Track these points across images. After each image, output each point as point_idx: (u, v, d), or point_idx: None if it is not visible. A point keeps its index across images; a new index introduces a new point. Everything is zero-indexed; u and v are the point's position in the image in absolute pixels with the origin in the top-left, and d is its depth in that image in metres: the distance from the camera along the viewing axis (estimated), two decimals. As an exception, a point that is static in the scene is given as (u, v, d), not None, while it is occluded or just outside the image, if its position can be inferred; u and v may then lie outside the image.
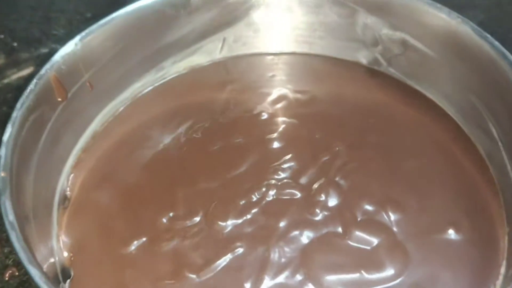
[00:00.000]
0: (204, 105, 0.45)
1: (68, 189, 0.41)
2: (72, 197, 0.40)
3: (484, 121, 0.40)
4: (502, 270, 0.35)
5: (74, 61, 0.40)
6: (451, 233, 0.37)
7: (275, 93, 0.46)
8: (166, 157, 0.42)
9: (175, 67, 0.47)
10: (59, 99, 0.39)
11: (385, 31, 0.44)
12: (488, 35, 0.38)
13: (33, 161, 0.37)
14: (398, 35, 0.44)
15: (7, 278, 0.40)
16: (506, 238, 0.36)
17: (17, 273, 0.40)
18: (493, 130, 0.39)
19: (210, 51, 0.48)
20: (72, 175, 0.42)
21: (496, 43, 0.38)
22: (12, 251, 0.40)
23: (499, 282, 0.34)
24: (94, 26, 0.41)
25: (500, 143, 0.39)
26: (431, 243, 0.36)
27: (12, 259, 0.41)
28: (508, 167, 0.38)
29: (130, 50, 0.43)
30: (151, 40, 0.44)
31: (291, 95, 0.46)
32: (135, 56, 0.44)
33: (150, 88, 0.46)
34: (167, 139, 0.43)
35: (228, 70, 0.48)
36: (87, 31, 0.40)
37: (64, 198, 0.40)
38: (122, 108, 0.45)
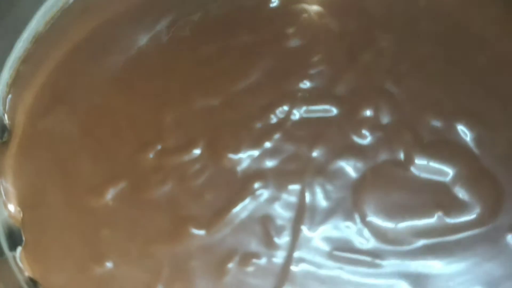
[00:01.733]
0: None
1: (6, 116, 0.34)
2: (14, 127, 0.34)
3: None
4: None
5: None
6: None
7: (288, -33, 0.40)
8: (143, 66, 0.35)
9: None
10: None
11: None
12: None
13: None
14: None
15: None
16: None
17: None
18: None
19: None
20: (10, 96, 0.35)
21: None
22: None
23: None
24: None
25: None
26: (529, 167, 0.31)
27: None
28: None
29: None
30: None
31: (311, -31, 0.39)
32: None
33: (114, -33, 0.39)
34: (143, 40, 0.36)
35: None
36: None
37: (3, 129, 0.34)
38: (74, -3, 0.39)
